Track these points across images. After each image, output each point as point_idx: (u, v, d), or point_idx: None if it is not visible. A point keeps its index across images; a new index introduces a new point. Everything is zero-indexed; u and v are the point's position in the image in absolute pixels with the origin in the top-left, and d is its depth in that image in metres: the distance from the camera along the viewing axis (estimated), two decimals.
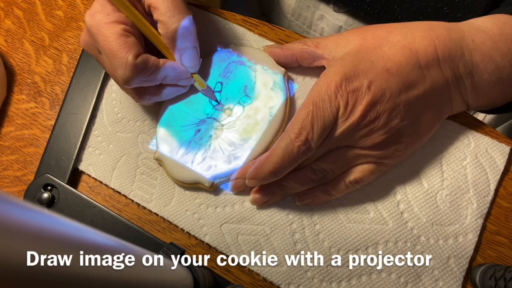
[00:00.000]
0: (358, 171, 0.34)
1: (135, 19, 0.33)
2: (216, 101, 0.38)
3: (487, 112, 0.42)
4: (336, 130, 0.33)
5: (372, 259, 0.35)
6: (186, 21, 0.33)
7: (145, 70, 0.32)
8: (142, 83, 0.33)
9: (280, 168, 0.33)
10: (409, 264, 0.34)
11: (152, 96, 0.36)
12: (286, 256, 0.36)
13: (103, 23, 0.32)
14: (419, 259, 0.35)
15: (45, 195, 0.38)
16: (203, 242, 0.37)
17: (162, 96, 0.36)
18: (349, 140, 0.33)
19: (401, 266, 0.35)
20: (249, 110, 0.37)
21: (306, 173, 0.35)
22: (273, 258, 0.36)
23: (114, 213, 0.37)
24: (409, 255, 0.35)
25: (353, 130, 0.33)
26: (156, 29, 0.34)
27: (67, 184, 0.38)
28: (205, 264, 0.36)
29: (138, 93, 0.35)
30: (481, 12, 0.38)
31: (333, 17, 0.50)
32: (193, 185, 0.37)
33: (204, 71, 0.39)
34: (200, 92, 0.38)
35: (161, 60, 0.34)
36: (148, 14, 0.34)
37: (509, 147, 0.36)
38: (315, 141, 0.32)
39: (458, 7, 0.39)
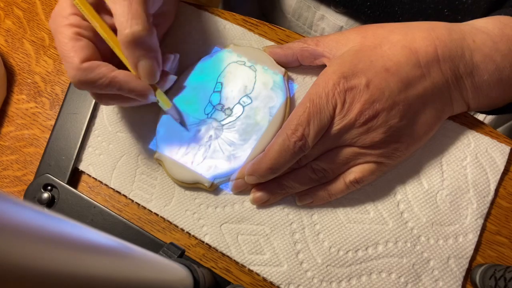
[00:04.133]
0: (358, 171, 0.34)
1: (97, 23, 0.32)
2: (183, 125, 0.37)
3: (487, 113, 0.42)
4: (334, 128, 0.33)
5: (372, 259, 0.35)
6: (142, 29, 0.30)
7: (91, 76, 0.31)
8: (94, 89, 0.32)
9: (277, 164, 0.33)
10: (409, 264, 0.34)
11: (110, 100, 0.34)
12: (286, 256, 0.36)
13: (59, 26, 0.32)
14: (419, 259, 0.35)
15: (45, 195, 0.38)
16: (203, 242, 0.37)
17: (121, 103, 0.35)
18: (348, 139, 0.33)
19: (401, 266, 0.35)
20: (249, 110, 0.37)
21: (306, 172, 0.35)
22: (273, 258, 0.36)
23: (114, 213, 0.37)
24: (409, 255, 0.35)
25: (351, 128, 0.33)
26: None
27: (67, 184, 0.38)
28: (205, 264, 0.36)
29: (95, 96, 0.34)
30: (481, 14, 0.38)
31: (334, 18, 0.50)
32: (193, 185, 0.37)
33: (204, 72, 0.39)
34: (166, 111, 0.36)
35: (116, 71, 0.32)
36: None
37: (509, 147, 0.36)
38: (312, 138, 0.32)
39: (458, 9, 0.40)
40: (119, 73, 0.32)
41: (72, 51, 0.31)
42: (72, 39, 0.31)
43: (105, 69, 0.31)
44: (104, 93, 0.33)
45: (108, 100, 0.35)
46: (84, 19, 0.33)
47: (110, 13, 0.32)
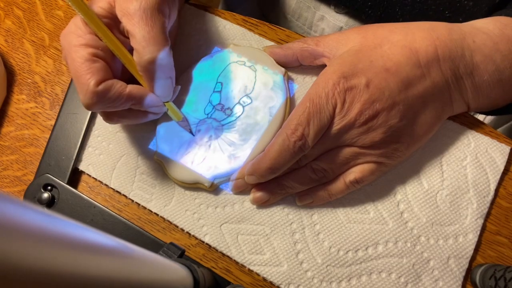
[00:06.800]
0: (358, 171, 0.34)
1: (109, 43, 0.32)
2: (192, 133, 0.37)
3: (487, 113, 0.42)
4: (334, 128, 0.33)
5: (372, 259, 0.35)
6: (161, 53, 0.32)
7: (106, 98, 0.31)
8: (106, 109, 0.32)
9: (277, 163, 0.33)
10: (409, 264, 0.34)
11: (120, 118, 0.35)
12: (286, 256, 0.36)
13: (73, 45, 0.32)
14: (419, 259, 0.35)
15: (45, 195, 0.38)
16: (203, 242, 0.37)
17: (132, 120, 0.36)
18: (348, 139, 0.33)
19: (401, 266, 0.35)
20: (249, 110, 0.37)
21: (306, 172, 0.35)
22: (273, 258, 0.36)
23: (114, 213, 0.37)
24: (409, 255, 0.35)
25: (351, 128, 0.33)
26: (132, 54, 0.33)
27: (67, 184, 0.38)
28: (205, 264, 0.36)
29: (105, 115, 0.35)
30: (482, 16, 0.38)
31: (333, 18, 0.50)
32: (193, 185, 0.37)
33: (204, 72, 0.39)
34: (177, 123, 0.37)
35: (129, 87, 0.33)
36: (126, 37, 0.34)
37: (509, 147, 0.36)
38: (311, 137, 0.32)
39: (460, 11, 0.40)
40: (132, 88, 0.33)
41: (89, 73, 0.31)
42: (88, 60, 0.31)
43: (119, 87, 0.32)
44: (117, 110, 0.34)
45: (119, 118, 0.35)
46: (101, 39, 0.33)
47: (122, 32, 0.34)
